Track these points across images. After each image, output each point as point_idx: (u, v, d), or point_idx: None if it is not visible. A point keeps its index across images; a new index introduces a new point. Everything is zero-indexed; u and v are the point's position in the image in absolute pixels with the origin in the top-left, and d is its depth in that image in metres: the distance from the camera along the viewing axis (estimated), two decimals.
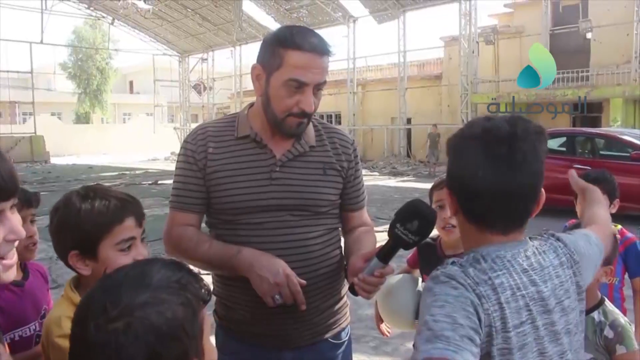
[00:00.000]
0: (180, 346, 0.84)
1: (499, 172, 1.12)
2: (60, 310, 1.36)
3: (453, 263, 1.13)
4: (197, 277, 0.93)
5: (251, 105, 1.76)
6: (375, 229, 1.82)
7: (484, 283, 1.07)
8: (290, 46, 1.56)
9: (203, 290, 0.92)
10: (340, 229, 1.79)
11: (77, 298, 1.36)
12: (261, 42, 1.67)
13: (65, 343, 1.27)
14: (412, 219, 1.41)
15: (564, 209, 8.85)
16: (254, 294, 1.58)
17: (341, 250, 1.76)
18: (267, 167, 1.65)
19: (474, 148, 1.14)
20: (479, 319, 1.02)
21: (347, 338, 1.79)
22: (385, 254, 1.49)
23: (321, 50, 1.58)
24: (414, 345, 2.34)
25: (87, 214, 1.36)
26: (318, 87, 1.61)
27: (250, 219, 1.63)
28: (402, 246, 1.44)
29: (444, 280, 1.07)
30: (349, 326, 1.80)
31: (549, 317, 1.13)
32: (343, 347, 1.76)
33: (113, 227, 1.35)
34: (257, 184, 1.63)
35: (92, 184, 1.53)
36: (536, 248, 1.20)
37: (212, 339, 1.80)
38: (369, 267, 1.50)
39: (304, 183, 1.66)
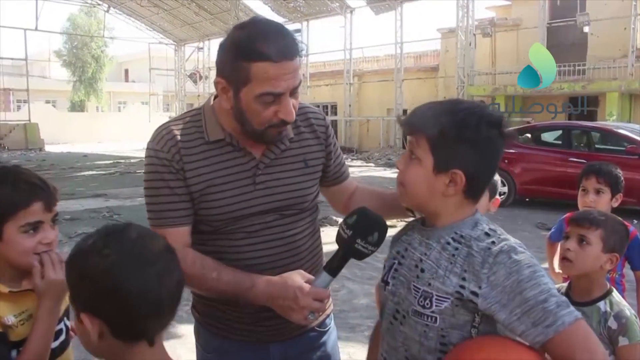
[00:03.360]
0: None
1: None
2: None
3: (493, 231, 1.24)
4: None
5: (215, 96, 1.57)
6: None
7: None
8: (254, 58, 1.38)
9: None
10: (317, 218, 1.74)
11: None
12: (217, 48, 1.48)
13: None
14: (372, 231, 1.36)
15: (557, 201, 8.93)
16: None
17: (321, 239, 1.74)
18: (249, 171, 1.54)
19: (496, 137, 1.24)
20: None
21: (331, 324, 1.76)
22: (335, 267, 1.40)
23: (291, 54, 1.41)
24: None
25: None
26: (294, 90, 1.46)
27: (234, 228, 1.54)
28: (357, 257, 1.38)
29: (522, 250, 1.18)
30: (332, 313, 1.78)
31: None
32: (328, 334, 1.74)
33: (18, 211, 1.37)
34: (241, 192, 1.52)
35: (8, 165, 1.53)
36: None
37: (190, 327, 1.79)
38: (317, 282, 1.41)
39: (288, 181, 1.58)
